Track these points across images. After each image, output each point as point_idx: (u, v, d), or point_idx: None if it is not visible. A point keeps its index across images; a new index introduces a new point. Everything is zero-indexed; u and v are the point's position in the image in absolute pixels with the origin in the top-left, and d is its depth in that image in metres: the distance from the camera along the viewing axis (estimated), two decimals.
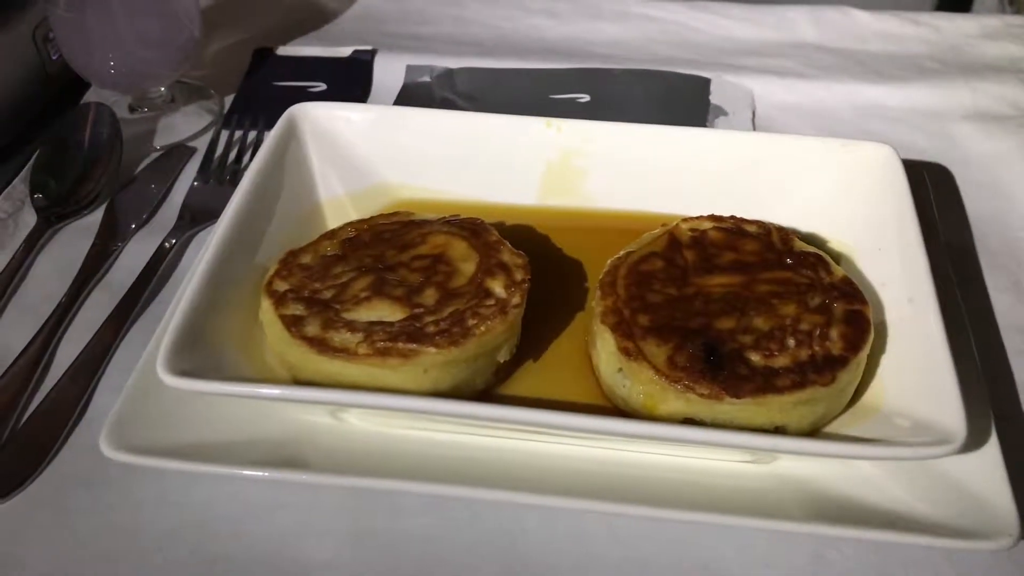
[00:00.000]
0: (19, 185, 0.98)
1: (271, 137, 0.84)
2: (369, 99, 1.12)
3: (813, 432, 0.68)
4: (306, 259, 0.75)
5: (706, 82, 1.12)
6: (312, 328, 0.68)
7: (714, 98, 1.10)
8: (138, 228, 0.94)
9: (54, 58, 1.09)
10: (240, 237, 0.76)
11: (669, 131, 0.86)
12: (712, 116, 1.07)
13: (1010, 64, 1.15)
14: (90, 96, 1.10)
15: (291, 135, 0.85)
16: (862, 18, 1.25)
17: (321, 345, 0.67)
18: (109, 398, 0.72)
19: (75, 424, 0.75)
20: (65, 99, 1.11)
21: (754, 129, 1.06)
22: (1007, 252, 0.91)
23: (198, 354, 0.67)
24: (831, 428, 0.69)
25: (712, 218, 0.78)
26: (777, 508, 0.65)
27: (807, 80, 1.14)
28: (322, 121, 0.87)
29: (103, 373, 0.79)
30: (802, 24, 1.24)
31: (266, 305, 0.71)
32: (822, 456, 0.66)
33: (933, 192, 0.92)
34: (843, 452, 0.63)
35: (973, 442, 0.64)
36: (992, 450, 0.65)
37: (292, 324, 0.69)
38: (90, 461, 0.71)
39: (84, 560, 0.67)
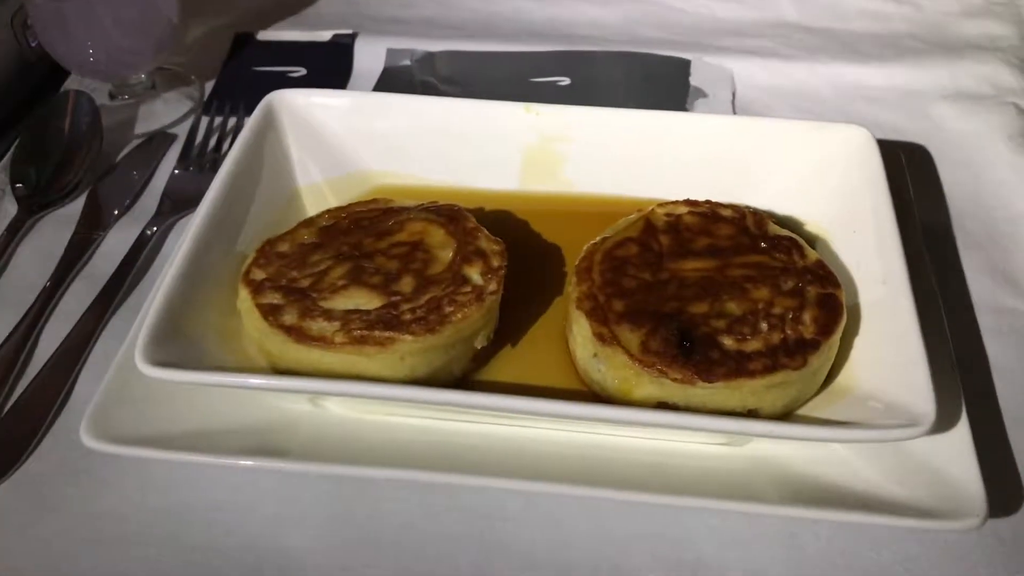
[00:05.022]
0: None
1: (249, 125, 0.84)
2: (349, 83, 1.12)
3: (786, 414, 0.69)
4: (284, 247, 0.76)
5: (686, 64, 1.12)
6: (289, 317, 0.69)
7: (694, 80, 1.10)
8: (119, 216, 0.94)
9: (33, 45, 1.08)
10: (218, 226, 0.76)
11: (646, 115, 0.86)
12: (692, 98, 1.08)
13: (990, 42, 1.15)
14: (70, 83, 1.10)
15: (269, 123, 0.85)
16: None
17: (298, 334, 0.68)
18: (91, 387, 0.73)
19: (57, 414, 0.76)
20: (46, 87, 1.11)
21: (734, 111, 1.07)
22: (984, 232, 0.91)
23: (177, 344, 0.67)
24: (804, 410, 0.70)
25: (687, 203, 0.79)
26: (751, 490, 0.66)
27: (788, 60, 1.13)
28: (300, 108, 0.87)
29: (85, 362, 0.80)
30: (784, 3, 1.24)
31: (244, 294, 0.72)
32: (793, 439, 0.66)
33: (911, 172, 0.93)
34: (813, 435, 0.64)
35: (943, 424, 0.65)
36: (962, 431, 0.66)
37: (270, 313, 0.69)
38: (72, 450, 0.72)
39: (65, 548, 0.67)
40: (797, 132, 0.84)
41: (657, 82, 1.10)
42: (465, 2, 1.26)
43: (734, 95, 1.09)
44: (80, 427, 0.66)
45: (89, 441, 0.66)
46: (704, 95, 1.08)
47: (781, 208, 0.84)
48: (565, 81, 1.11)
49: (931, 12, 1.22)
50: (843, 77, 1.11)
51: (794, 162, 0.84)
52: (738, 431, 0.63)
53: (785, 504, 0.64)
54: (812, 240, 0.81)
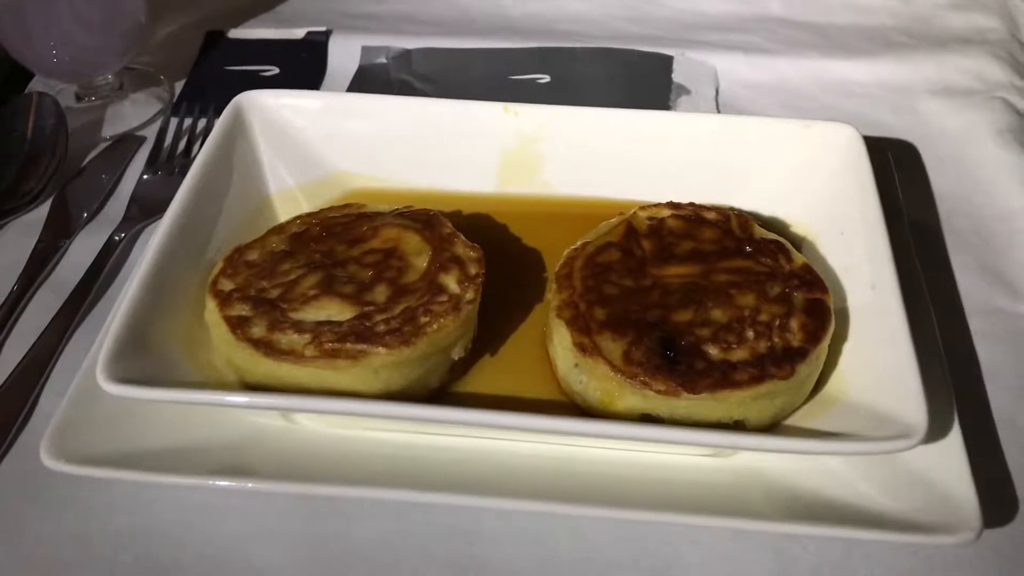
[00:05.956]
0: None
1: (217, 128, 0.81)
2: (324, 82, 1.10)
3: (774, 424, 0.67)
4: (253, 256, 0.73)
5: (668, 60, 1.10)
6: (258, 330, 0.66)
7: (676, 76, 1.07)
8: (85, 223, 0.91)
9: None
10: (185, 234, 0.73)
11: (627, 115, 0.84)
12: (674, 95, 1.05)
13: (977, 35, 1.13)
14: (35, 85, 1.07)
15: (238, 125, 0.83)
16: None
17: (267, 347, 0.65)
18: (55, 403, 0.70)
19: (20, 429, 0.73)
20: (8, 89, 1.07)
21: (718, 108, 1.04)
22: (973, 231, 0.89)
23: (141, 358, 0.64)
24: (792, 420, 0.68)
25: (670, 205, 0.76)
26: (739, 503, 0.64)
27: (772, 56, 1.11)
28: (270, 109, 0.84)
29: (49, 377, 0.77)
30: None
31: (211, 306, 0.69)
32: (781, 452, 0.64)
33: (899, 170, 0.91)
34: (802, 448, 0.62)
35: (935, 433, 0.63)
36: (955, 441, 0.64)
37: (237, 326, 0.67)
38: (35, 467, 0.68)
39: (30, 568, 0.65)
40: (783, 130, 0.82)
41: (638, 79, 1.08)
42: None
43: (717, 92, 1.07)
44: (40, 446, 0.64)
45: (49, 461, 0.63)
46: (687, 92, 1.05)
47: (766, 209, 0.82)
48: (545, 78, 1.08)
49: (917, 5, 1.20)
50: (829, 72, 1.09)
51: (780, 161, 0.82)
52: (724, 445, 0.61)
53: (774, 519, 0.62)
54: (798, 242, 0.79)
